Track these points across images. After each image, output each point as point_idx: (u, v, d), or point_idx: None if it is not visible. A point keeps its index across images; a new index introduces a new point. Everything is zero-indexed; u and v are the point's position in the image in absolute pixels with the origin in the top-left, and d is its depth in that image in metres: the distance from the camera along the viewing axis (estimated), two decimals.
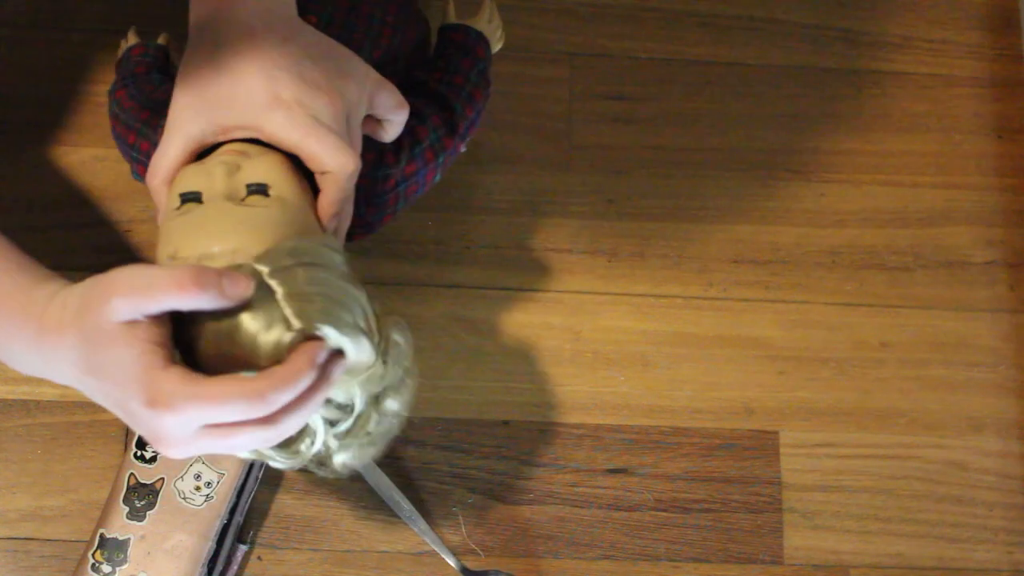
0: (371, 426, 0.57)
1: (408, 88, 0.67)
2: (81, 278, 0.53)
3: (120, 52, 0.77)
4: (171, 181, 0.58)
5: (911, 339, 0.85)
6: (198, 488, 0.74)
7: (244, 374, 0.51)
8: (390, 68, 0.66)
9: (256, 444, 0.52)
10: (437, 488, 0.79)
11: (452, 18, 0.77)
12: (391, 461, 0.78)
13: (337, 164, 0.57)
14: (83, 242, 0.81)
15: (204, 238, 0.54)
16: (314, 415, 0.55)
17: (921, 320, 0.85)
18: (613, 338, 0.83)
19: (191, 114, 0.58)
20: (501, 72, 0.77)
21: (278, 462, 0.58)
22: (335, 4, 0.70)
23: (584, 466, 0.80)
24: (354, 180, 0.59)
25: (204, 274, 0.49)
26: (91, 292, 0.51)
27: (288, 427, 0.52)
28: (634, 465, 0.80)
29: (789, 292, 0.85)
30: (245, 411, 0.49)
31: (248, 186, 0.56)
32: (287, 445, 0.57)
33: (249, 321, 0.51)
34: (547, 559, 0.78)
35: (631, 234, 0.85)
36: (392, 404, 0.58)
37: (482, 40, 0.75)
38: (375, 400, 0.57)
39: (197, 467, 0.74)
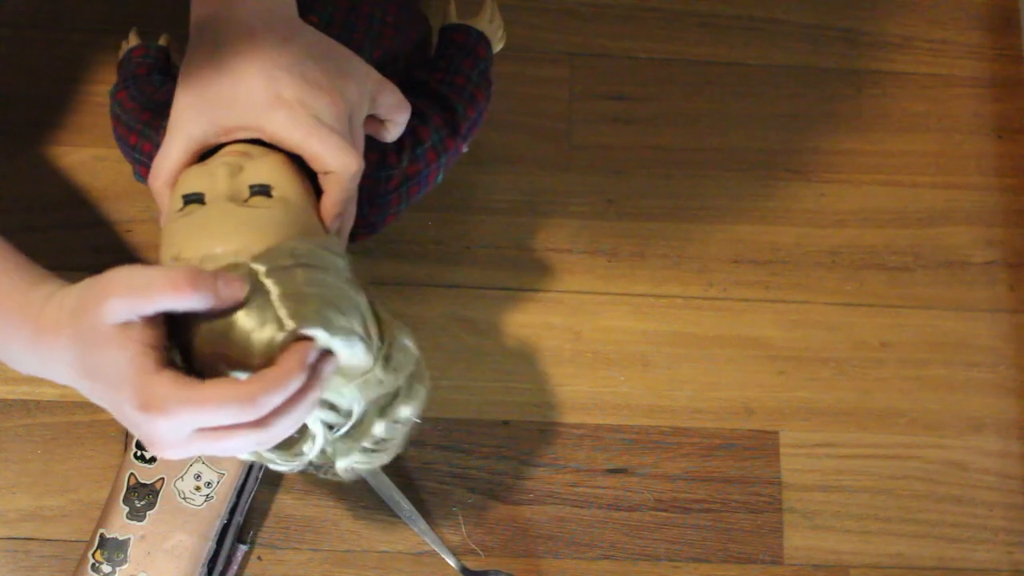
0: (380, 432, 0.57)
1: (409, 88, 0.67)
2: (80, 278, 0.53)
3: (121, 53, 0.77)
4: (174, 182, 0.58)
5: (911, 339, 0.85)
6: (198, 488, 0.74)
7: (237, 375, 0.51)
8: (391, 68, 0.66)
9: (250, 447, 0.52)
10: (437, 488, 0.79)
11: (453, 18, 0.77)
12: (391, 461, 0.77)
13: (340, 164, 0.57)
14: (83, 242, 0.81)
15: (207, 239, 0.54)
16: (312, 418, 0.56)
17: (921, 320, 0.85)
18: (613, 338, 0.83)
19: (193, 115, 0.58)
20: (501, 72, 0.77)
21: (278, 464, 0.58)
22: (335, 4, 0.70)
23: (584, 466, 0.80)
24: (357, 180, 0.59)
25: (199, 275, 0.49)
26: (87, 293, 0.51)
27: (281, 429, 0.52)
28: (634, 465, 0.80)
29: (789, 292, 0.85)
30: (237, 415, 0.49)
31: (251, 187, 0.56)
32: (287, 448, 0.57)
33: (243, 320, 0.51)
34: (547, 559, 0.78)
35: (631, 234, 0.85)
36: (404, 411, 0.58)
37: (483, 40, 0.75)
38: (382, 408, 0.57)
39: (197, 467, 0.74)
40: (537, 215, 0.84)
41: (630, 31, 0.89)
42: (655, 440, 0.81)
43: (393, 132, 0.65)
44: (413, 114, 0.65)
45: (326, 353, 0.52)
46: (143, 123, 0.69)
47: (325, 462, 0.59)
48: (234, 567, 0.75)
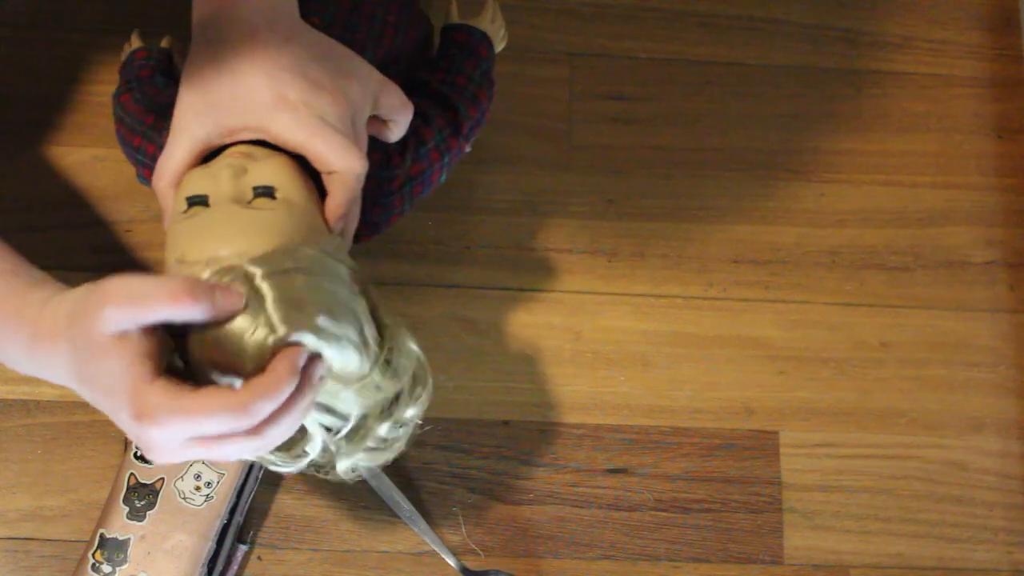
0: (384, 433, 0.57)
1: (411, 88, 0.67)
2: (80, 278, 0.53)
3: (123, 56, 0.77)
4: (177, 184, 0.58)
5: (911, 339, 0.85)
6: (198, 488, 0.74)
7: (229, 380, 0.51)
8: (393, 68, 0.66)
9: (245, 453, 0.52)
10: (437, 488, 0.79)
11: (455, 18, 0.77)
12: (391, 461, 0.78)
13: (344, 164, 0.57)
14: (83, 242, 0.81)
15: (211, 241, 0.54)
16: (311, 421, 0.56)
17: (921, 320, 0.85)
18: (613, 338, 0.83)
19: (196, 116, 0.58)
20: (501, 72, 0.77)
21: (279, 466, 0.58)
22: (337, 5, 0.70)
23: (584, 466, 0.80)
24: (362, 180, 0.59)
25: (197, 286, 0.49)
26: (84, 301, 0.51)
27: (274, 436, 0.52)
28: (634, 465, 0.80)
29: (789, 292, 0.85)
30: (229, 424, 0.50)
31: (254, 189, 0.56)
32: (287, 449, 0.57)
33: (236, 324, 0.51)
34: (547, 559, 0.78)
35: (631, 234, 0.85)
36: (407, 412, 0.58)
37: (485, 40, 0.75)
38: (384, 410, 0.57)
39: (197, 467, 0.74)
40: (537, 215, 0.84)
41: (630, 31, 0.89)
42: (655, 440, 0.81)
43: (396, 132, 0.65)
44: (416, 114, 0.65)
45: (316, 358, 0.52)
46: (147, 126, 0.69)
47: (326, 462, 0.59)
48: (234, 567, 0.75)
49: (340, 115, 0.58)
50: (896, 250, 0.86)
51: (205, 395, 0.50)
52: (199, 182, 0.57)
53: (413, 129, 0.66)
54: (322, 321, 0.51)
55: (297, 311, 0.51)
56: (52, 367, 0.54)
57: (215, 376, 0.52)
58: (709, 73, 0.89)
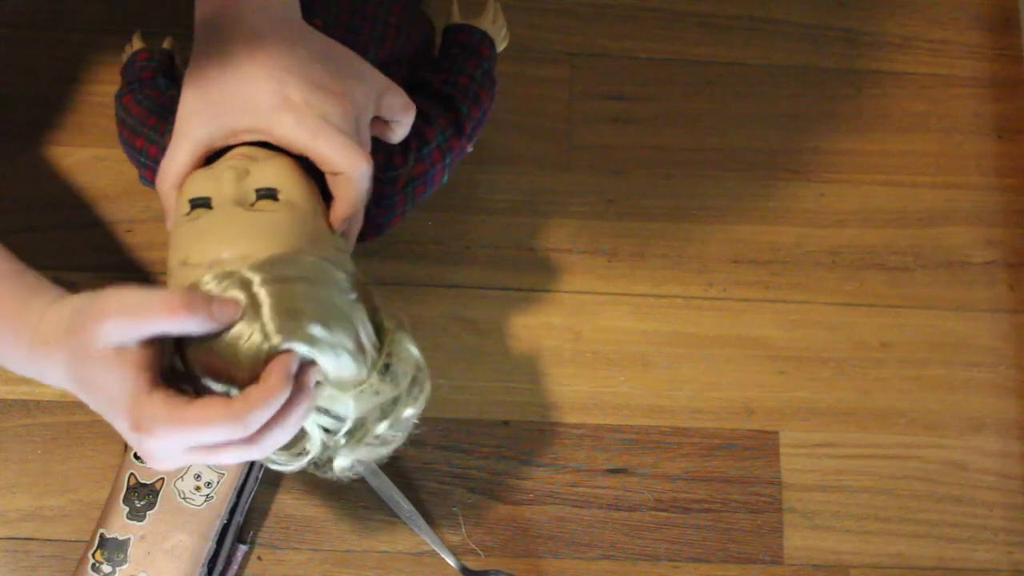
0: (382, 431, 0.57)
1: (413, 89, 0.67)
2: (81, 278, 0.53)
3: (125, 57, 0.77)
4: (180, 185, 0.58)
5: (911, 339, 0.85)
6: (198, 488, 0.74)
7: (224, 388, 0.52)
8: (395, 69, 0.66)
9: (243, 459, 0.53)
10: (437, 488, 0.79)
11: (456, 18, 0.77)
12: (391, 461, 0.78)
13: (348, 164, 0.57)
14: (83, 242, 0.81)
15: (214, 244, 0.54)
16: (310, 422, 0.56)
17: (921, 320, 0.85)
18: (613, 338, 0.83)
19: (199, 118, 0.58)
20: (501, 72, 0.77)
21: (279, 465, 0.58)
22: (339, 6, 0.70)
23: (584, 466, 0.80)
24: (368, 181, 0.59)
25: (194, 299, 0.50)
26: (82, 312, 0.52)
27: (271, 444, 0.52)
28: (634, 465, 0.80)
29: (789, 292, 0.85)
30: (226, 434, 0.50)
31: (257, 191, 0.56)
32: (287, 449, 0.57)
33: (232, 332, 0.51)
34: (547, 559, 0.78)
35: (631, 234, 0.85)
36: (405, 413, 0.58)
37: (487, 40, 0.76)
38: (383, 411, 0.57)
39: (197, 467, 0.74)
40: (537, 215, 0.84)
41: (630, 31, 0.89)
42: (655, 440, 0.81)
43: (399, 133, 0.65)
44: (418, 115, 0.65)
45: (310, 365, 0.52)
46: (148, 127, 0.69)
47: (325, 461, 0.59)
48: (234, 567, 0.75)
49: (343, 116, 0.58)
50: (896, 250, 0.86)
51: (201, 406, 0.50)
52: (202, 184, 0.57)
53: (415, 129, 0.66)
54: (317, 330, 0.51)
55: (292, 320, 0.51)
56: (52, 373, 0.54)
57: (210, 382, 0.52)
58: (709, 73, 0.89)
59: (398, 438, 0.59)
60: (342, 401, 0.55)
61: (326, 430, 0.56)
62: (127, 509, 0.73)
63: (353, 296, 0.54)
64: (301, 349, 0.51)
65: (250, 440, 0.51)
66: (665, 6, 0.90)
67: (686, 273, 0.84)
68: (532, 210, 0.84)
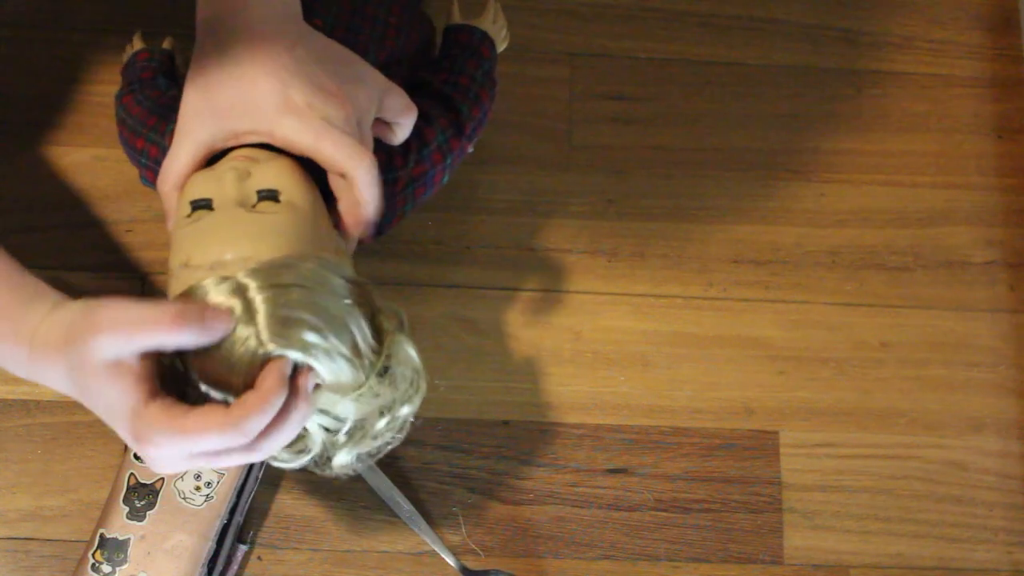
0: (381, 427, 0.58)
1: (414, 89, 0.67)
2: (81, 278, 0.53)
3: (125, 57, 0.77)
4: (182, 186, 0.58)
5: (911, 339, 0.85)
6: (198, 488, 0.74)
7: (221, 395, 0.52)
8: (395, 69, 0.66)
9: (245, 463, 0.53)
10: (437, 488, 0.79)
11: (457, 19, 0.77)
12: (391, 461, 0.78)
13: (353, 165, 0.57)
14: (83, 242, 0.81)
15: (216, 245, 0.54)
16: (312, 423, 0.56)
17: (921, 320, 0.85)
18: (613, 338, 0.83)
19: (201, 119, 0.58)
20: (501, 72, 0.77)
21: (280, 462, 0.58)
22: (339, 6, 0.70)
23: (584, 466, 0.80)
24: (375, 180, 0.58)
25: (186, 313, 0.50)
26: (77, 326, 0.52)
27: (270, 448, 0.53)
28: (634, 465, 0.80)
29: (789, 292, 0.85)
30: (226, 442, 0.50)
31: (259, 192, 0.56)
32: (288, 447, 0.57)
33: (226, 339, 0.51)
34: (547, 559, 0.78)
35: (631, 234, 0.85)
36: (403, 410, 0.58)
37: (487, 40, 0.75)
38: (382, 409, 0.57)
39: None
40: (537, 215, 0.84)
41: (630, 31, 0.89)
42: (655, 440, 0.81)
43: (400, 135, 0.65)
44: (418, 115, 0.65)
45: (306, 371, 0.52)
46: (149, 127, 0.69)
47: (325, 460, 0.59)
48: (234, 567, 0.75)
49: (346, 118, 0.58)
50: (896, 250, 0.86)
51: (199, 415, 0.50)
52: (203, 186, 0.57)
53: (416, 130, 0.66)
54: (311, 337, 0.52)
55: (287, 327, 0.51)
56: (52, 379, 0.54)
57: (207, 388, 0.53)
58: (709, 73, 0.89)
59: (397, 437, 0.59)
60: (342, 404, 0.55)
61: (327, 430, 0.57)
62: (127, 509, 0.73)
63: (349, 301, 0.54)
64: (296, 356, 0.51)
65: (250, 446, 0.51)
66: (665, 6, 0.90)
67: (686, 273, 0.84)
68: (532, 210, 0.84)
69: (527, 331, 0.82)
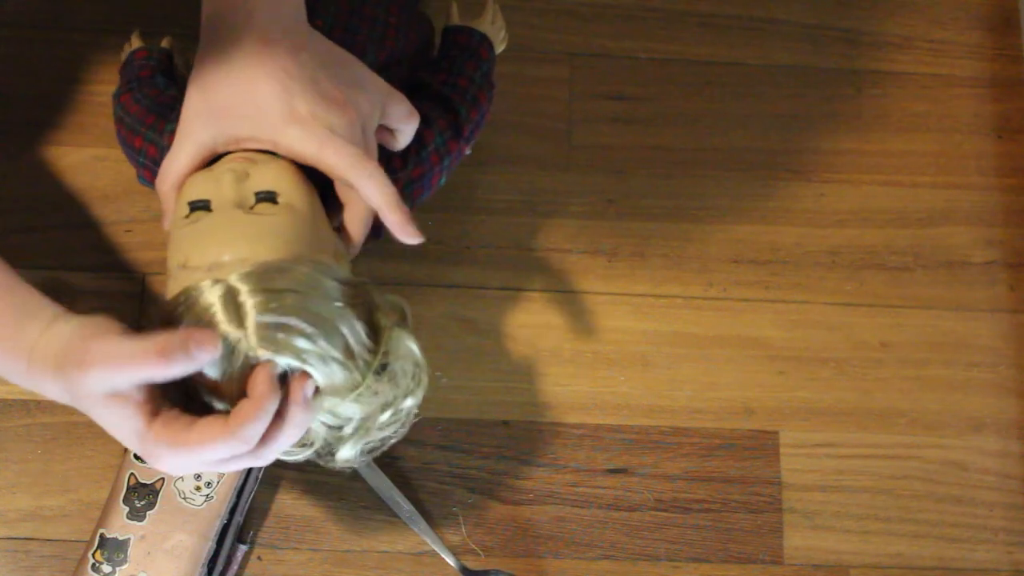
0: (384, 420, 0.58)
1: (412, 90, 0.67)
2: (81, 278, 0.53)
3: (123, 56, 0.77)
4: (180, 187, 0.58)
5: (911, 339, 0.84)
6: (198, 488, 0.74)
7: (221, 404, 0.53)
8: (394, 70, 0.66)
9: (255, 465, 0.54)
10: (437, 488, 0.79)
11: (456, 20, 0.77)
12: (391, 461, 0.78)
13: (357, 174, 0.57)
14: (83, 242, 0.81)
15: (214, 246, 0.54)
16: (315, 422, 0.56)
17: (921, 320, 0.85)
18: (613, 338, 0.83)
19: (203, 121, 0.58)
20: (501, 72, 0.77)
21: (284, 455, 0.58)
22: (337, 6, 0.70)
23: (584, 466, 0.80)
24: (383, 185, 0.58)
25: (169, 347, 0.49)
26: (70, 357, 0.52)
27: (275, 451, 0.53)
28: (634, 465, 0.80)
29: (789, 292, 0.85)
30: (229, 451, 0.51)
31: (257, 194, 0.56)
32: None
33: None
34: (547, 559, 0.78)
35: (631, 234, 0.85)
36: (405, 404, 0.58)
37: (486, 42, 0.75)
38: (384, 405, 0.57)
39: None
40: (537, 215, 0.84)
41: (630, 31, 0.89)
42: (655, 440, 0.81)
43: (401, 141, 0.65)
44: None
45: (304, 376, 0.52)
46: (147, 126, 0.69)
47: (327, 453, 0.59)
48: (234, 567, 0.75)
49: (349, 126, 0.58)
50: (896, 250, 0.86)
51: (200, 428, 0.51)
52: (202, 186, 0.57)
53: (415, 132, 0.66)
54: (301, 342, 0.52)
55: (277, 333, 0.51)
56: (52, 395, 0.55)
57: (205, 396, 0.53)
58: (709, 73, 0.89)
59: (401, 430, 0.59)
60: (343, 404, 0.55)
61: (329, 427, 0.57)
62: (127, 509, 0.73)
63: (341, 303, 0.54)
64: (285, 361, 0.52)
65: (256, 451, 0.52)
66: (665, 6, 0.90)
67: (686, 273, 0.84)
68: (532, 210, 0.84)
69: (527, 331, 0.82)
